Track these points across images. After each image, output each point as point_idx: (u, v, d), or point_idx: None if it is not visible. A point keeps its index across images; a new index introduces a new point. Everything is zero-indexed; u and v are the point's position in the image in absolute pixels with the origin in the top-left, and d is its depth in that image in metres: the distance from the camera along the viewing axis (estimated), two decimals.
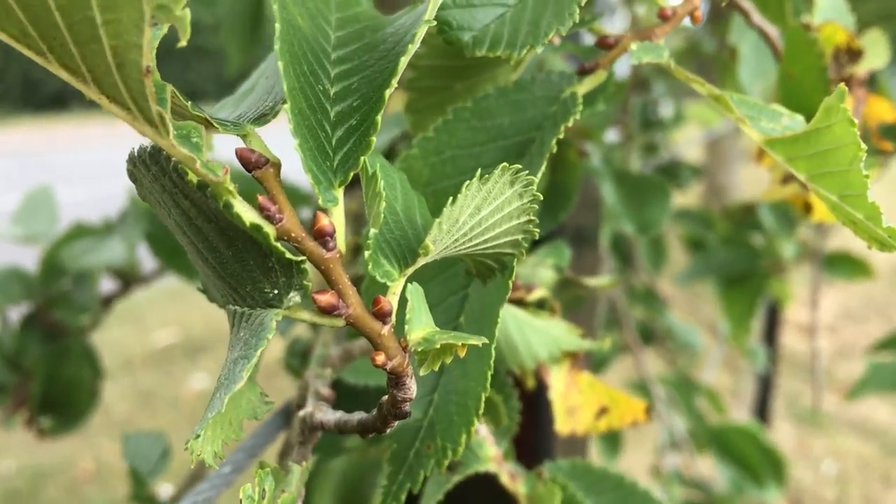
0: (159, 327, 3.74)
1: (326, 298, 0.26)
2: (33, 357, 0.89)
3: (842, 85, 0.31)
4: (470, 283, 0.36)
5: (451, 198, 0.26)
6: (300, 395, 0.42)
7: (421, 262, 0.28)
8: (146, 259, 0.98)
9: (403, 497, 0.34)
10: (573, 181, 0.60)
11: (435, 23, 0.33)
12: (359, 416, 0.32)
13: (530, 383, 0.48)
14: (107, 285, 0.99)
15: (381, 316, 0.27)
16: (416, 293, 0.28)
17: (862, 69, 0.56)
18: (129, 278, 0.98)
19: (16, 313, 0.93)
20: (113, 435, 2.66)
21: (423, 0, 0.30)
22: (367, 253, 0.27)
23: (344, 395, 0.44)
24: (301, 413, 0.35)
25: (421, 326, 0.28)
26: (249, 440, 0.46)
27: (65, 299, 0.91)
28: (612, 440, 1.36)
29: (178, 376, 3.20)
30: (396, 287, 0.28)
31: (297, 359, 0.62)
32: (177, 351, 3.49)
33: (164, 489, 0.63)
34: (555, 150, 0.35)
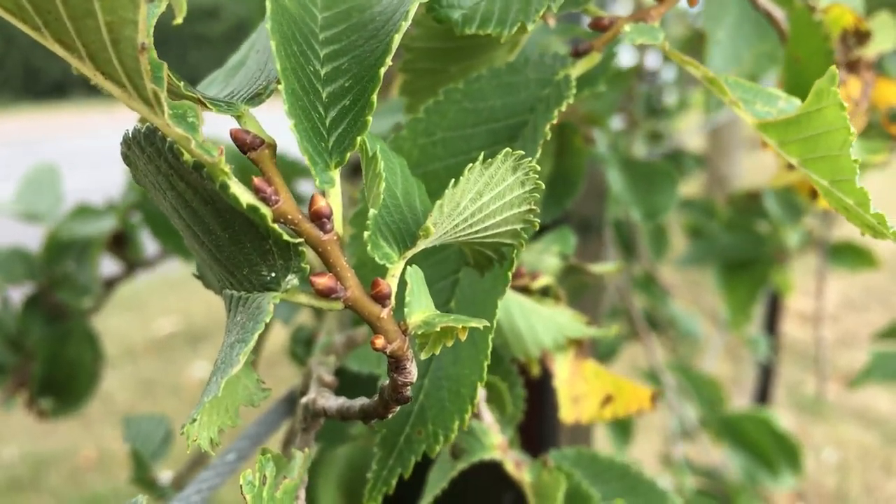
0: (160, 315, 3.75)
1: (324, 281, 0.25)
2: (35, 338, 0.89)
3: (833, 67, 0.30)
4: (460, 268, 0.35)
5: (452, 180, 0.26)
6: (304, 382, 0.41)
7: (421, 244, 0.27)
8: (149, 246, 0.97)
9: (394, 482, 0.33)
10: (579, 168, 0.59)
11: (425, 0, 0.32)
12: (361, 401, 0.32)
13: (535, 371, 0.48)
14: (110, 269, 0.99)
15: (380, 299, 0.27)
16: (415, 276, 0.27)
17: (870, 52, 0.55)
18: (130, 261, 0.98)
19: (18, 294, 0.93)
20: (114, 423, 2.66)
21: None
22: (366, 234, 0.26)
23: (348, 384, 0.44)
24: (304, 400, 0.35)
25: (421, 309, 0.27)
26: (254, 428, 0.45)
27: (67, 280, 0.90)
28: (623, 428, 1.35)
29: (180, 364, 3.20)
30: (396, 269, 0.27)
31: (301, 346, 0.62)
32: (178, 339, 3.49)
33: (165, 475, 0.62)
34: (549, 136, 0.35)
